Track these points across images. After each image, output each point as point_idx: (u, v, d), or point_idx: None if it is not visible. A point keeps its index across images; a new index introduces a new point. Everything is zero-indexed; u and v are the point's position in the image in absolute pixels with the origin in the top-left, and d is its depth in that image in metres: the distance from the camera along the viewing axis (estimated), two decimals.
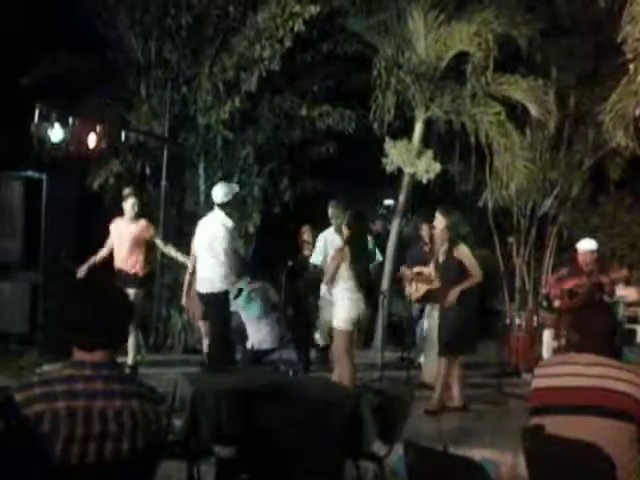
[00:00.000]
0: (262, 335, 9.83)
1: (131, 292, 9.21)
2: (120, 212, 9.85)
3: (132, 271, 9.64)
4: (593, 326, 3.86)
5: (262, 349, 9.82)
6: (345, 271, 7.74)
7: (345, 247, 7.83)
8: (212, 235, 8.59)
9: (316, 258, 9.49)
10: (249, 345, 9.87)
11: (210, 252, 8.58)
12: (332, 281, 7.82)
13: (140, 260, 9.76)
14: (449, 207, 8.24)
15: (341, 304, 7.77)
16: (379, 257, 8.95)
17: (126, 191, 9.98)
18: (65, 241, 11.46)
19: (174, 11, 12.12)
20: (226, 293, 8.61)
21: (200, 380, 5.67)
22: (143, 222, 9.84)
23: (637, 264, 13.38)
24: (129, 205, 9.72)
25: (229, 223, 8.55)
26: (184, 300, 9.46)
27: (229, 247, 8.48)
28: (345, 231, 7.89)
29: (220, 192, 8.71)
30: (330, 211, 8.86)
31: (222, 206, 8.64)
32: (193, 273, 9.11)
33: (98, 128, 10.76)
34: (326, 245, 9.02)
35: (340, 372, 7.77)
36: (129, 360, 9.45)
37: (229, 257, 8.49)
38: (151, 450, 2.91)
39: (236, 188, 8.99)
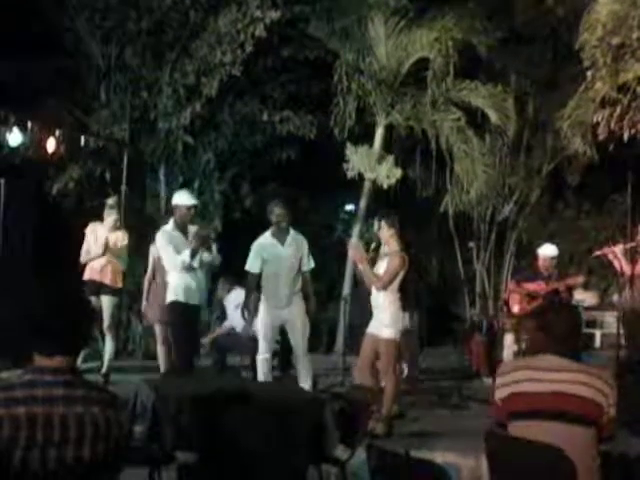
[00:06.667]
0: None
1: (108, 299, 9.35)
2: (79, 217, 9.71)
3: (109, 280, 9.48)
4: (558, 328, 3.87)
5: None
6: (397, 279, 7.44)
7: (403, 254, 7.42)
8: None
9: (251, 265, 8.24)
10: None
11: None
12: (386, 287, 7.36)
13: (118, 269, 9.61)
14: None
15: (393, 314, 7.44)
16: (311, 263, 8.42)
17: (110, 202, 9.81)
18: (24, 246, 11.29)
19: (135, 15, 12.05)
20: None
21: (161, 386, 5.62)
22: (120, 232, 9.67)
23: (595, 269, 13.51)
24: (111, 221, 9.50)
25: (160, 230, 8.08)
26: (143, 306, 9.35)
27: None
28: (396, 238, 7.47)
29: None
30: (277, 211, 8.15)
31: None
32: (153, 279, 9.04)
33: (57, 133, 10.69)
34: (261, 251, 8.35)
35: (386, 382, 7.51)
36: (104, 368, 9.33)
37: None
38: (112, 457, 2.88)
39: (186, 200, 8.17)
